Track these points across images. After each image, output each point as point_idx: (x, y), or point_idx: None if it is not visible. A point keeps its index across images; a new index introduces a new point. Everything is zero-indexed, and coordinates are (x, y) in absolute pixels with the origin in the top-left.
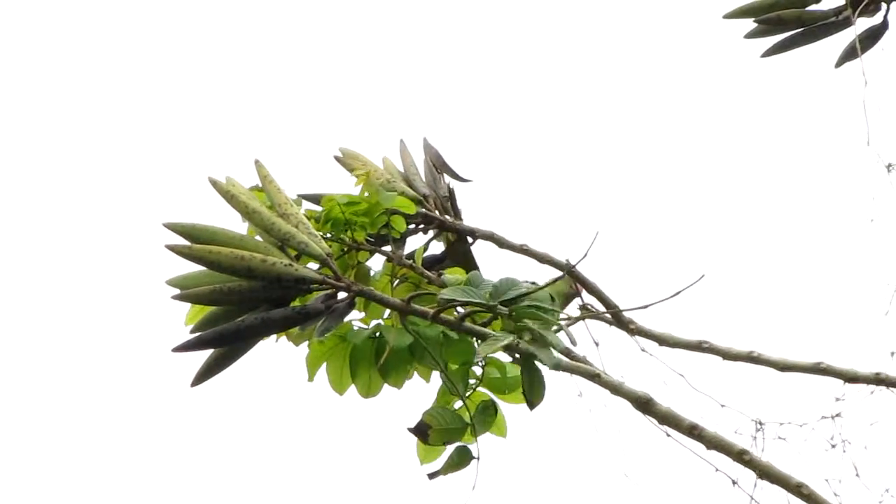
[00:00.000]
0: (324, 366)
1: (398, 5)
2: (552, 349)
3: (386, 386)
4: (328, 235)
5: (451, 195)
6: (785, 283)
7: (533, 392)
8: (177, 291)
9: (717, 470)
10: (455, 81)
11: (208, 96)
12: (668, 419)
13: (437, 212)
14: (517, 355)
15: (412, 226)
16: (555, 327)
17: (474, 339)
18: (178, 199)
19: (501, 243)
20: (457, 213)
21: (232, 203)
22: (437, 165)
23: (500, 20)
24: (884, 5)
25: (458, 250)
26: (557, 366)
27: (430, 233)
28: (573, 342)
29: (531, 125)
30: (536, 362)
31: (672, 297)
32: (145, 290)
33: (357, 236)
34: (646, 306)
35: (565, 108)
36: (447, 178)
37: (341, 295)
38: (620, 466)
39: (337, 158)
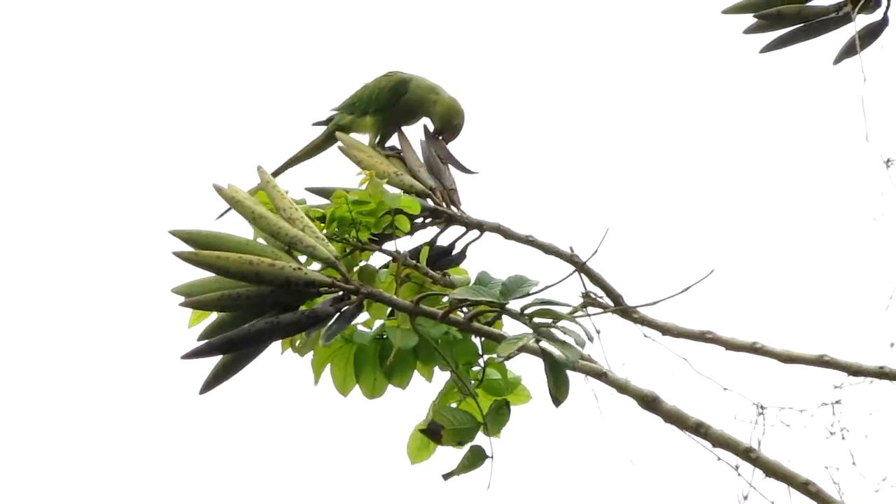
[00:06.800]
0: (328, 368)
1: None
2: (574, 345)
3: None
4: (332, 235)
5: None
6: (787, 277)
7: (558, 389)
8: (183, 299)
9: (718, 459)
10: (460, 73)
11: (199, 102)
12: (673, 417)
13: (444, 204)
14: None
15: (419, 220)
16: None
17: (477, 339)
18: (168, 206)
19: (507, 235)
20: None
21: (237, 208)
22: (443, 157)
23: (509, 13)
24: (884, 2)
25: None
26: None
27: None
28: (590, 338)
29: (533, 119)
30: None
31: (680, 293)
32: (150, 298)
33: (361, 236)
34: (654, 303)
35: (568, 104)
36: (452, 170)
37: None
38: (628, 461)
39: (340, 149)
